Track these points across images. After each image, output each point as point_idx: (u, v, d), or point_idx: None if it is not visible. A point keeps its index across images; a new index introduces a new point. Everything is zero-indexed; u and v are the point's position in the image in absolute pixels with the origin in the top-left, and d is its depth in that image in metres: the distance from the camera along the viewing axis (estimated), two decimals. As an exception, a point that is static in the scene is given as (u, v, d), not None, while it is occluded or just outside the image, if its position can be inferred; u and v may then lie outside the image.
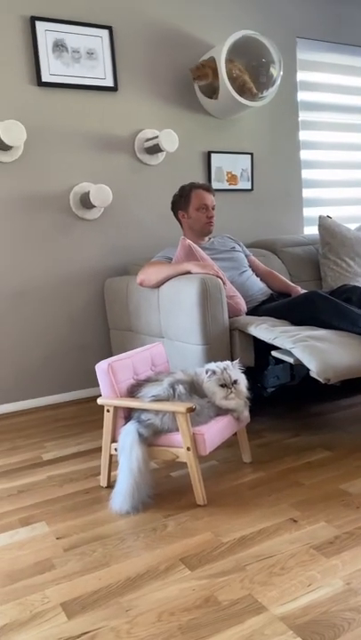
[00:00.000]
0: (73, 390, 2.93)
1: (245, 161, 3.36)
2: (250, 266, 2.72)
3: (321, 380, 1.81)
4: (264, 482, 1.77)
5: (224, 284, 2.22)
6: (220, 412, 1.75)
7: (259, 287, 2.60)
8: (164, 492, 1.74)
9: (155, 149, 2.96)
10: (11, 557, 1.43)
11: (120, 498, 1.62)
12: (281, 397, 2.64)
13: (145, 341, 2.54)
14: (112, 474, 1.81)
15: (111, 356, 2.91)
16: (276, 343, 1.98)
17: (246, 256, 2.76)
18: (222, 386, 1.72)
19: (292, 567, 1.29)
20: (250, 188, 3.39)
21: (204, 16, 3.15)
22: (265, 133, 3.41)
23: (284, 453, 2.00)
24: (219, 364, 1.78)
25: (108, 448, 1.78)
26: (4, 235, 2.71)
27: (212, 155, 3.24)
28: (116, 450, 1.74)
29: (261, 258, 3.02)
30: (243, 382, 1.77)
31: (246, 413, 1.82)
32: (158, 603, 1.20)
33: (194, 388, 1.73)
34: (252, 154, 3.36)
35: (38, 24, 2.70)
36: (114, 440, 1.76)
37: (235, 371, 1.76)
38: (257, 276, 2.70)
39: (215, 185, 3.27)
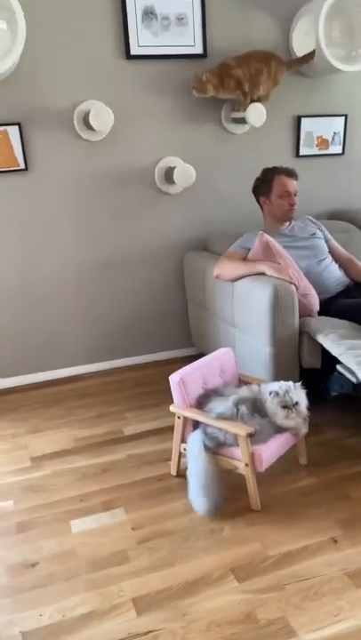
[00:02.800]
0: (153, 353, 3.19)
1: (339, 123, 3.19)
2: (330, 251, 2.72)
3: (380, 405, 1.92)
4: (315, 490, 1.97)
5: (297, 288, 2.28)
6: (280, 429, 1.92)
7: (336, 277, 2.61)
8: (226, 490, 1.98)
9: (242, 120, 2.89)
10: (95, 543, 1.77)
11: (198, 502, 1.85)
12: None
13: (218, 325, 2.70)
14: (181, 461, 2.06)
15: (188, 324, 3.12)
16: (341, 360, 2.08)
17: (327, 241, 2.75)
18: (284, 407, 1.88)
19: (326, 594, 1.52)
20: (341, 152, 3.25)
21: None
22: (363, 91, 3.18)
23: (340, 456, 2.16)
24: (282, 384, 1.92)
25: (178, 447, 2.04)
26: (92, 210, 2.86)
27: (303, 119, 3.10)
28: (184, 449, 1.99)
29: (345, 235, 2.99)
30: (303, 403, 1.92)
31: (304, 429, 1.98)
32: (209, 612, 1.48)
33: (256, 407, 1.91)
34: (346, 115, 3.17)
35: (128, -8, 2.62)
36: (183, 441, 2.01)
37: (296, 392, 1.90)
38: (336, 261, 2.70)
39: (303, 151, 3.17)
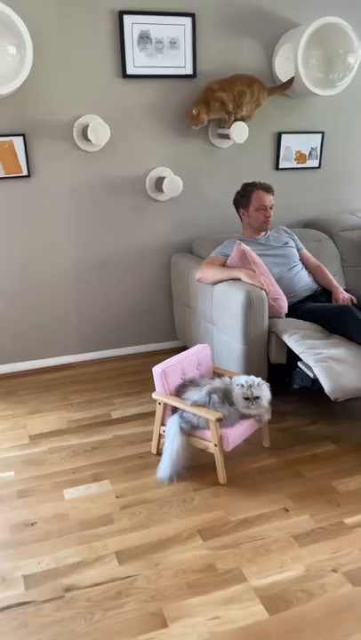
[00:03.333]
0: (140, 344, 3.50)
1: (316, 140, 3.48)
2: (301, 259, 3.03)
3: (331, 398, 2.25)
4: (274, 469, 2.30)
5: (267, 293, 2.60)
6: (245, 415, 2.25)
7: (305, 282, 2.93)
8: (198, 465, 2.30)
9: (227, 136, 3.18)
10: (85, 507, 2.09)
11: (162, 470, 2.22)
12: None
13: (199, 322, 3.01)
14: (161, 441, 2.38)
15: (173, 320, 3.43)
16: (302, 357, 2.40)
17: (299, 249, 3.06)
18: (245, 399, 2.20)
19: (274, 551, 1.85)
20: (317, 166, 3.54)
21: (288, -7, 3.14)
22: (339, 111, 3.47)
23: (298, 441, 2.49)
24: (249, 379, 2.23)
25: (158, 429, 2.36)
26: (88, 214, 3.15)
27: (283, 135, 3.39)
28: (164, 431, 2.31)
29: (316, 243, 3.30)
30: (265, 398, 2.23)
31: (267, 417, 2.30)
32: (177, 562, 1.81)
33: (226, 396, 2.22)
34: (323, 132, 3.47)
35: (126, 17, 2.88)
36: (163, 424, 2.33)
37: (259, 389, 2.21)
38: (306, 268, 3.01)
39: (283, 164, 3.46)
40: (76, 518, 2.03)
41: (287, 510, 2.05)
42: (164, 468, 2.22)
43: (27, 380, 3.20)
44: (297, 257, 3.01)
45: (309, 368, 2.37)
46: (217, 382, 2.27)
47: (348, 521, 1.98)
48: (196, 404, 2.18)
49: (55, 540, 1.93)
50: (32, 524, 2.01)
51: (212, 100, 2.95)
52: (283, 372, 2.66)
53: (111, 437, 2.57)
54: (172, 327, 3.49)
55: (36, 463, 2.38)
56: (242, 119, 3.10)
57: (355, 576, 1.73)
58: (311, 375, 2.36)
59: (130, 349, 3.49)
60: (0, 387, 3.13)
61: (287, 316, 2.76)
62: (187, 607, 1.64)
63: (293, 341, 2.47)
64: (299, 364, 2.45)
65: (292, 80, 3.09)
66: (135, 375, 3.20)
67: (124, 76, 2.98)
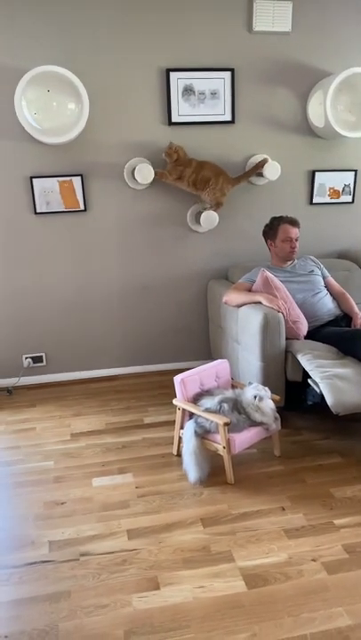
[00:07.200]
0: (178, 361, 3.84)
1: (349, 177, 3.73)
2: (326, 286, 3.27)
3: (333, 412, 2.46)
4: (280, 475, 2.53)
5: (285, 316, 2.86)
6: (254, 424, 2.51)
7: (328, 308, 3.15)
8: (212, 467, 2.57)
9: (262, 173, 3.50)
10: (108, 494, 2.42)
11: (191, 474, 2.47)
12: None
13: (228, 341, 3.31)
14: (180, 444, 2.68)
15: (208, 340, 3.74)
16: (311, 374, 2.64)
17: (324, 277, 3.29)
18: (254, 397, 2.47)
19: (264, 540, 2.09)
20: (351, 201, 3.78)
21: (322, 45, 3.46)
22: (372, 150, 3.71)
23: (307, 453, 2.71)
24: (258, 385, 2.51)
25: (178, 432, 2.66)
26: (135, 243, 3.56)
27: (317, 173, 3.67)
28: (182, 434, 2.61)
29: (346, 272, 3.52)
30: (270, 404, 2.49)
31: (274, 426, 2.55)
32: (177, 542, 2.09)
33: (236, 405, 2.50)
34: (356, 170, 3.71)
35: (172, 74, 3.32)
36: (182, 427, 2.63)
37: (265, 392, 2.49)
38: (331, 295, 3.24)
39: (316, 199, 3.73)
40: (98, 501, 2.37)
41: (284, 509, 2.28)
42: (192, 471, 2.47)
43: (76, 387, 3.62)
44: (322, 284, 3.24)
45: (316, 384, 2.60)
46: (229, 393, 2.56)
47: (337, 522, 2.18)
48: (208, 411, 2.48)
49: (79, 516, 2.27)
50: (62, 503, 2.36)
51: (178, 167, 3.31)
52: (299, 390, 2.89)
53: (140, 439, 2.90)
54: (208, 346, 3.80)
55: (73, 456, 2.75)
56: (211, 207, 3.42)
57: (331, 566, 1.94)
58: (318, 391, 2.58)
59: (169, 365, 3.83)
60: (53, 392, 3.57)
61: (307, 338, 3.00)
62: (178, 577, 1.92)
63: (305, 360, 2.71)
64: (309, 380, 2.68)
65: (260, 165, 3.41)
66: (170, 388, 3.51)
67: (170, 123, 3.39)
